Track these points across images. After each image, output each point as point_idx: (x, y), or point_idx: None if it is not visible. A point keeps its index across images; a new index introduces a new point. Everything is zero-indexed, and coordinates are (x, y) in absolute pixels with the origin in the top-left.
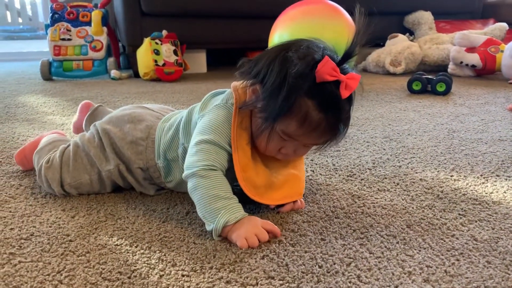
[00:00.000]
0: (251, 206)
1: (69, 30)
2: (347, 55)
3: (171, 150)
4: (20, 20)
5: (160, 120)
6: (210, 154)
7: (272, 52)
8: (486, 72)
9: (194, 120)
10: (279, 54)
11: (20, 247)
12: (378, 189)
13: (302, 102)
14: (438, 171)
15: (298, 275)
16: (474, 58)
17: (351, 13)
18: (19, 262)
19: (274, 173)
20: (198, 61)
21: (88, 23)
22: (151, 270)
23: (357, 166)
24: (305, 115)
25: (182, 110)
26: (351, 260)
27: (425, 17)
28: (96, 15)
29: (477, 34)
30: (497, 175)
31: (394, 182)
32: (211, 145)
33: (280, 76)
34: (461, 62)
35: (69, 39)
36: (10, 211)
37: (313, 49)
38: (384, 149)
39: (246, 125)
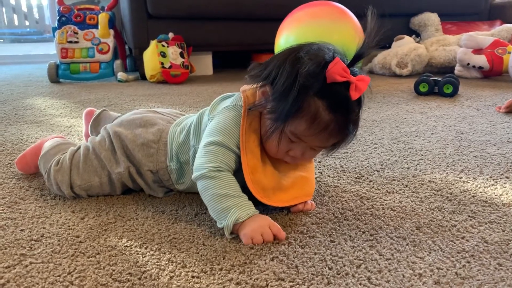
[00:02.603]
0: (259, 207)
1: (76, 33)
2: (358, 56)
3: (183, 152)
4: (27, 23)
5: (171, 124)
6: (218, 155)
7: (282, 55)
8: (493, 74)
9: (204, 122)
10: (290, 55)
11: (31, 248)
12: (387, 191)
13: (312, 102)
14: (447, 173)
15: (308, 276)
16: (481, 60)
17: (359, 15)
18: (30, 263)
19: (283, 175)
20: (204, 63)
21: (95, 26)
22: (161, 272)
23: (365, 168)
24: (314, 115)
25: (193, 114)
26: (361, 262)
27: (432, 18)
28: (103, 17)
29: (484, 35)
30: (507, 177)
31: (402, 184)
32: (219, 147)
33: (291, 76)
34: (468, 64)
35: (76, 42)
36: (20, 213)
37: (323, 50)
38: (392, 151)
39: (256, 127)
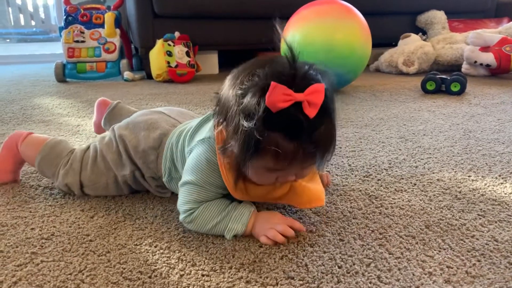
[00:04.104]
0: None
1: (83, 32)
2: (293, 74)
3: (173, 170)
4: (33, 22)
5: (175, 127)
6: (192, 195)
7: (226, 88)
8: (501, 71)
9: (186, 151)
10: (230, 90)
11: (42, 246)
12: (395, 189)
13: (268, 138)
14: (455, 172)
15: (318, 275)
16: (489, 57)
17: (365, 14)
18: (41, 261)
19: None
20: (210, 62)
21: (101, 25)
22: (171, 270)
23: (373, 166)
24: (276, 150)
25: (193, 120)
26: (371, 260)
27: (438, 16)
28: (109, 17)
29: (491, 33)
30: None
31: (411, 183)
32: (192, 186)
33: (234, 117)
34: (475, 62)
35: (82, 41)
36: (30, 211)
37: (258, 77)
38: (400, 149)
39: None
